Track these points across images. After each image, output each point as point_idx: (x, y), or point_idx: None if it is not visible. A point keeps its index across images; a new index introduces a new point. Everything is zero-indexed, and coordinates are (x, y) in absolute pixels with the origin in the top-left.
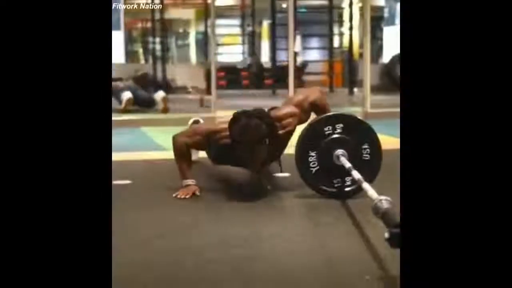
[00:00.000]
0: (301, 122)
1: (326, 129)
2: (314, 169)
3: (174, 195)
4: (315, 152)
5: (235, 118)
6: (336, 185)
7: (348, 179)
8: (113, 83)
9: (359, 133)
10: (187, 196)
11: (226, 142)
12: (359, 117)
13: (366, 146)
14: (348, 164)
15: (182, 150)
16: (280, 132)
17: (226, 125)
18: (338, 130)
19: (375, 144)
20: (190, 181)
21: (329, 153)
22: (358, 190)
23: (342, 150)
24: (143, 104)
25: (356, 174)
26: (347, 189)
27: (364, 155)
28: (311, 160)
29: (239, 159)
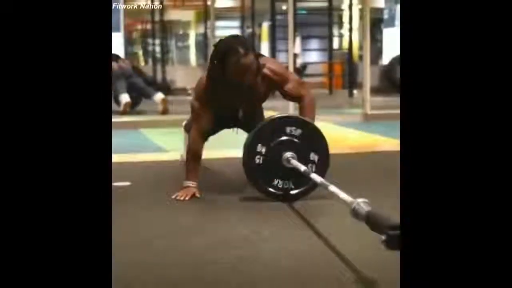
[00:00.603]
0: (272, 88)
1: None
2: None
3: (173, 196)
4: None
5: (219, 41)
6: (283, 188)
7: (291, 181)
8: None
9: (308, 137)
10: (186, 198)
11: (214, 89)
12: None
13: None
14: (302, 167)
15: (196, 146)
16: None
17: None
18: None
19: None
20: (190, 183)
21: (279, 156)
22: (306, 192)
23: (291, 153)
24: (139, 92)
25: (317, 177)
26: (292, 192)
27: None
28: (258, 162)
29: (229, 103)
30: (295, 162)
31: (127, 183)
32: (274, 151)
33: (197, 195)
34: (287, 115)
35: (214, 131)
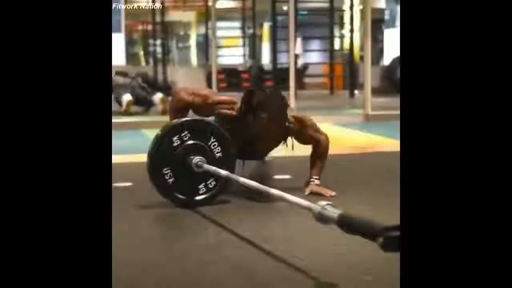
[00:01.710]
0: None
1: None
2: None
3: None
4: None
5: (252, 91)
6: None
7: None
8: (114, 78)
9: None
10: None
11: (228, 115)
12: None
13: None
14: (223, 172)
15: (179, 106)
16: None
17: (229, 98)
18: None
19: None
20: None
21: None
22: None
23: (199, 157)
24: (141, 103)
25: (248, 181)
26: (199, 197)
27: (216, 152)
28: (166, 172)
29: (250, 132)
30: (206, 166)
31: (128, 184)
32: (179, 165)
33: None
34: (167, 127)
35: None
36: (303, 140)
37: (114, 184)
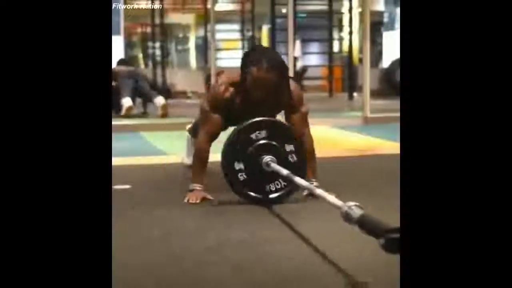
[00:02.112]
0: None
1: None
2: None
3: (185, 200)
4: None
5: (251, 50)
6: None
7: (272, 185)
8: (118, 68)
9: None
10: (197, 201)
11: (239, 97)
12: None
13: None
14: (284, 171)
15: (203, 150)
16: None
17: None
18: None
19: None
20: (197, 186)
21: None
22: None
23: (270, 156)
24: (144, 96)
25: (301, 181)
26: (272, 195)
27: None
28: (238, 168)
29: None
30: (274, 166)
31: (127, 186)
32: (252, 162)
33: (209, 197)
34: (248, 123)
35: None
36: (291, 121)
37: (114, 187)
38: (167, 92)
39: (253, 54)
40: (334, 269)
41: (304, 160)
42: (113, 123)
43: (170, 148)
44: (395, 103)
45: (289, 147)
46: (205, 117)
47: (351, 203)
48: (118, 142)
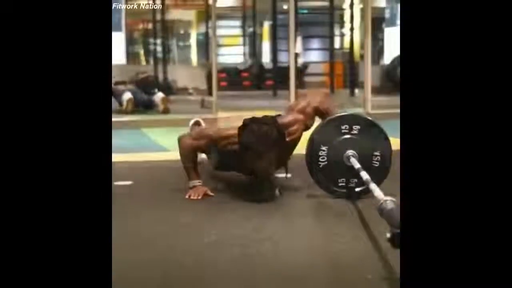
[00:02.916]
0: (306, 128)
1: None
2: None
3: (186, 196)
4: (326, 151)
5: (245, 125)
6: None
7: (354, 180)
8: (114, 87)
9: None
10: (198, 197)
11: (232, 149)
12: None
13: (377, 153)
14: (357, 165)
15: (188, 152)
16: (288, 139)
17: (234, 131)
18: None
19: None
20: (197, 182)
21: (340, 153)
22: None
23: (352, 151)
24: (143, 105)
25: (364, 175)
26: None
27: (374, 162)
28: (321, 159)
29: (246, 166)
30: (353, 160)
31: (129, 182)
32: (336, 150)
33: (209, 193)
34: (345, 114)
35: (225, 170)
36: (311, 123)
37: (115, 183)
38: (169, 89)
39: (247, 135)
40: (334, 266)
41: (388, 167)
42: (114, 119)
43: (171, 144)
44: (396, 100)
45: (376, 152)
46: (199, 136)
47: (388, 198)
48: (119, 139)
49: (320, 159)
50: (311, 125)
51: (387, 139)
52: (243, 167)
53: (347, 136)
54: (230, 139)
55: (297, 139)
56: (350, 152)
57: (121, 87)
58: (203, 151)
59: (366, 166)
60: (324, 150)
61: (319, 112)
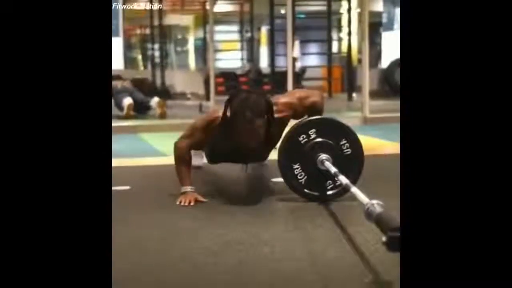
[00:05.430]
0: (295, 117)
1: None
2: (301, 179)
3: (177, 202)
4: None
5: (234, 95)
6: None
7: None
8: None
9: (336, 131)
10: (191, 203)
11: (223, 132)
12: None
13: (344, 142)
14: (333, 169)
15: (182, 154)
16: (276, 115)
17: (218, 113)
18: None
19: (352, 138)
20: (188, 188)
21: (314, 163)
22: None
23: (325, 155)
24: (139, 106)
25: (343, 179)
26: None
27: (345, 150)
28: (295, 168)
29: (236, 141)
30: (328, 165)
31: (127, 187)
32: (308, 162)
33: (201, 199)
34: (295, 126)
35: (219, 161)
36: (301, 115)
37: (113, 188)
38: (166, 94)
39: (235, 104)
40: (333, 268)
41: (360, 149)
42: (112, 124)
43: (169, 149)
44: (394, 104)
45: (342, 141)
46: (192, 131)
47: (374, 201)
48: (117, 143)
49: (299, 177)
50: (301, 116)
51: (343, 125)
52: (233, 149)
53: (311, 143)
54: (216, 121)
55: (285, 121)
56: (323, 156)
57: (118, 83)
58: (198, 147)
59: (339, 156)
60: (297, 168)
61: (313, 109)
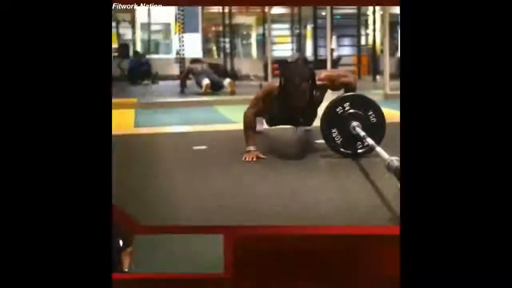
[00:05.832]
0: (333, 88)
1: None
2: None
3: (243, 158)
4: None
5: (285, 67)
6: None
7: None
8: (193, 65)
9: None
10: (253, 159)
11: (278, 98)
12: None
13: (371, 113)
14: (362, 133)
15: (249, 120)
16: (318, 83)
17: (274, 84)
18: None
19: (377, 110)
20: (252, 147)
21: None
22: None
23: (356, 122)
24: (215, 86)
25: (370, 141)
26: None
27: (372, 119)
28: (333, 132)
29: (288, 111)
30: (358, 130)
31: (204, 147)
32: (343, 128)
33: (261, 156)
34: (333, 100)
35: (276, 124)
36: (338, 88)
37: (193, 147)
38: (235, 76)
39: (284, 70)
40: (360, 209)
41: (382, 118)
42: (193, 99)
43: (237, 118)
44: None
45: (369, 112)
46: (256, 100)
47: (394, 157)
48: (197, 114)
49: (336, 139)
50: (338, 89)
51: (370, 100)
52: (286, 112)
53: (345, 113)
54: (273, 90)
55: (325, 89)
56: (355, 123)
57: (198, 66)
58: (260, 115)
59: (367, 124)
60: (335, 132)
61: (347, 86)
